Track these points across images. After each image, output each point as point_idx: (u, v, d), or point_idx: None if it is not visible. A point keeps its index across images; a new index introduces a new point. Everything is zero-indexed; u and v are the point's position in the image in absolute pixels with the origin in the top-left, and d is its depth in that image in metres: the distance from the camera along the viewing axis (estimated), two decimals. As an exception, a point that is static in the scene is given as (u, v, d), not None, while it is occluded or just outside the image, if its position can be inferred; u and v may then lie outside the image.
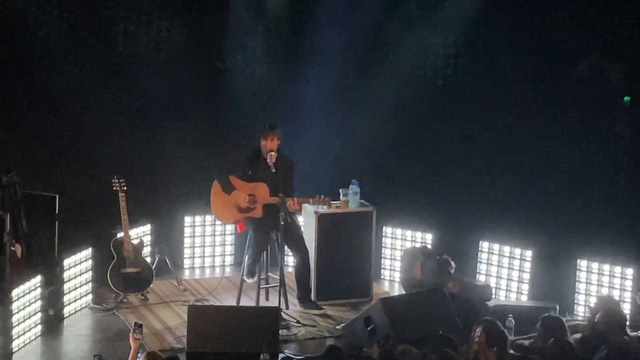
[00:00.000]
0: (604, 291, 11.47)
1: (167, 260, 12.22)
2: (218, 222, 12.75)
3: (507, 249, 12.12)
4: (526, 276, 11.98)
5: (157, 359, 8.35)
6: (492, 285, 11.94)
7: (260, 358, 9.26)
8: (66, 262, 11.23)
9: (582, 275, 11.72)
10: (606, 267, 11.56)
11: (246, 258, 11.39)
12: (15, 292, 10.26)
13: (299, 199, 11.12)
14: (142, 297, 11.69)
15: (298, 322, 11.13)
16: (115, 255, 11.47)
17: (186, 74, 13.17)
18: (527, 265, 11.97)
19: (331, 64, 13.24)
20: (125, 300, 11.55)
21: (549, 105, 12.59)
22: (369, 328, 10.26)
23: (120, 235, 11.53)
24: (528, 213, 12.55)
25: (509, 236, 12.20)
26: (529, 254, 11.96)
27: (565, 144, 12.53)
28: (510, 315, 10.45)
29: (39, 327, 10.71)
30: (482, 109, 12.98)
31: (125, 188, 11.43)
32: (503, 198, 12.74)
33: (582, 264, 11.71)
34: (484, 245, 12.28)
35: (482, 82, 12.92)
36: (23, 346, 10.40)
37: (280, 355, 9.81)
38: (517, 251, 12.04)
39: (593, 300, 11.18)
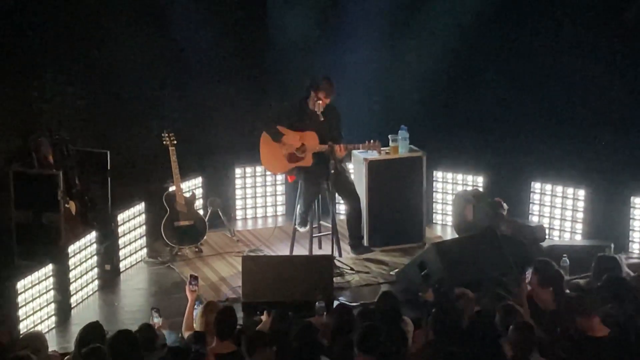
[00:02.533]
0: (659, 228, 11.42)
1: (220, 212, 12.27)
2: (268, 173, 12.77)
3: (559, 189, 12.05)
4: (579, 215, 11.92)
5: (215, 308, 8.43)
6: (545, 225, 11.91)
7: (315, 306, 9.31)
8: (120, 217, 11.33)
9: (636, 213, 11.64)
10: (661, 204, 11.50)
11: (298, 207, 11.43)
12: (71, 249, 10.39)
13: (348, 145, 11.09)
14: (196, 250, 11.78)
15: (352, 269, 11.17)
16: (168, 209, 11.55)
17: (233, 27, 13.13)
18: (580, 205, 11.90)
19: (378, 8, 13.12)
20: (179, 253, 11.64)
21: (600, 43, 12.42)
22: (423, 273, 10.26)
23: (172, 189, 11.59)
24: (579, 152, 12.44)
25: (560, 176, 12.14)
26: (581, 193, 11.89)
27: (616, 79, 12.38)
28: (564, 255, 10.42)
29: (96, 282, 10.84)
30: (531, 49, 12.84)
31: (175, 142, 11.48)
32: (553, 138, 12.62)
33: (636, 201, 11.62)
34: (536, 186, 12.23)
35: (531, 24, 12.77)
36: (81, 301, 10.54)
37: (335, 303, 9.83)
38: (570, 191, 11.97)
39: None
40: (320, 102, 11.06)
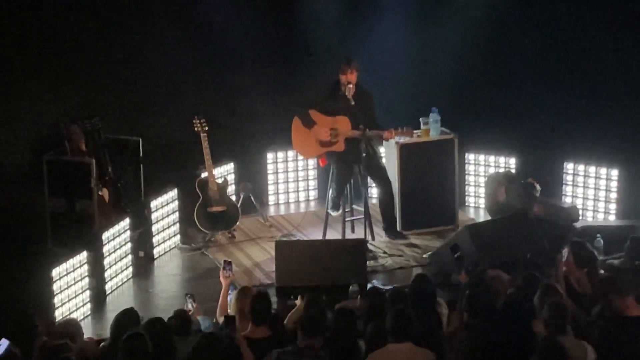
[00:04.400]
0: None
1: (252, 198, 12.29)
2: (300, 158, 12.77)
3: (592, 169, 11.99)
4: (613, 195, 11.86)
5: (249, 293, 8.44)
6: (579, 206, 11.85)
7: (349, 290, 9.31)
8: (153, 204, 11.37)
9: (670, 192, 11.58)
10: (695, 183, 11.43)
11: (330, 192, 11.42)
12: (105, 236, 10.44)
13: (380, 131, 11.03)
14: (230, 235, 11.80)
15: (385, 252, 11.17)
16: (200, 195, 11.57)
17: (264, 13, 13.13)
18: (614, 185, 11.85)
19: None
20: (212, 239, 11.67)
21: (631, 20, 12.34)
22: (456, 255, 10.25)
23: (204, 175, 11.62)
24: (612, 132, 12.36)
25: (593, 156, 12.07)
26: (614, 173, 11.83)
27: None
28: (598, 235, 10.38)
29: (130, 269, 10.90)
30: (563, 29, 12.77)
31: (206, 128, 11.49)
32: (585, 118, 12.55)
33: (670, 180, 11.57)
34: (569, 166, 12.17)
35: (562, 3, 12.70)
36: (116, 288, 10.60)
37: (369, 286, 9.83)
38: (603, 171, 11.91)
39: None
40: (351, 85, 11.04)
